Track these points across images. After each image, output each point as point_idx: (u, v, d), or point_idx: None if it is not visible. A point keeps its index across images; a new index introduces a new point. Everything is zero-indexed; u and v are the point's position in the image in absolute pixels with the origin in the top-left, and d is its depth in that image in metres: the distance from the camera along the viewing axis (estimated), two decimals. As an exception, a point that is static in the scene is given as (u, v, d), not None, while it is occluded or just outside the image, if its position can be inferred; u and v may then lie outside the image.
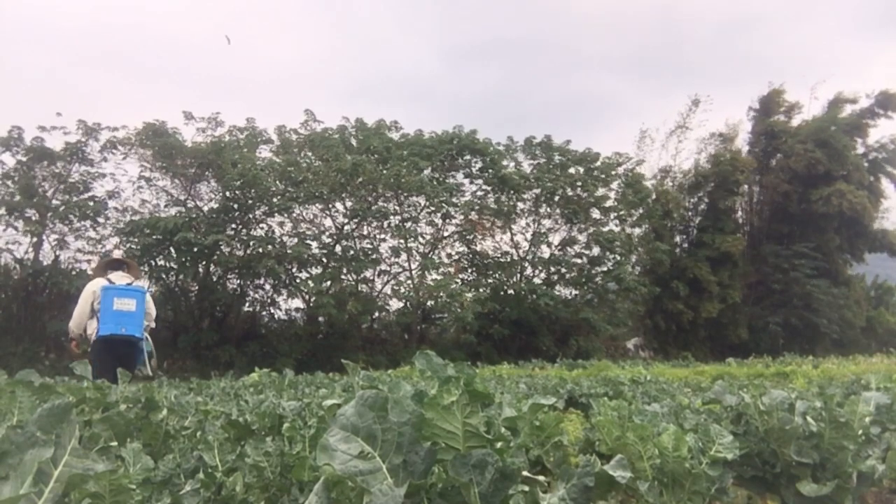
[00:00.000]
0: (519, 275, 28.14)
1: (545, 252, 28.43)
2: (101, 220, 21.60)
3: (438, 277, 24.29)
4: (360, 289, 24.41)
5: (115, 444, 2.01)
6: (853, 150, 33.34)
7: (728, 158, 32.62)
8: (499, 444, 1.35)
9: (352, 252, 23.88)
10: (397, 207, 25.59)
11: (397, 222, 25.33)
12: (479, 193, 27.93)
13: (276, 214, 23.44)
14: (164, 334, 21.92)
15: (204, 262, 22.45)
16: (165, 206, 23.18)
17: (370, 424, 1.16)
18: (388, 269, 25.79)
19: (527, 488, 1.39)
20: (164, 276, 22.00)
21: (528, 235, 28.60)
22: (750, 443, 2.21)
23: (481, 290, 26.26)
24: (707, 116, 40.62)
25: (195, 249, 20.99)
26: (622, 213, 29.00)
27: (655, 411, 2.59)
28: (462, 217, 26.81)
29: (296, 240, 23.49)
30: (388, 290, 25.70)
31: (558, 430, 2.16)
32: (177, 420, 2.71)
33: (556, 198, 27.78)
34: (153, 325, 6.50)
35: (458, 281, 25.80)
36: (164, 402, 2.75)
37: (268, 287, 24.27)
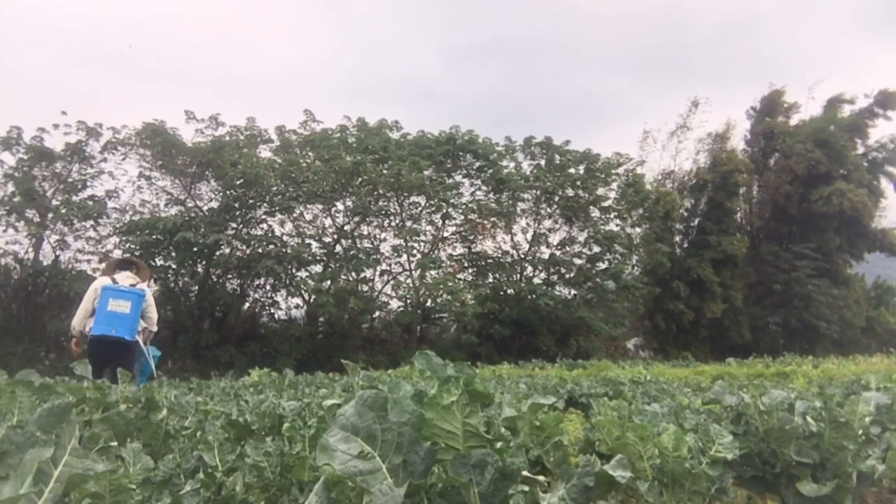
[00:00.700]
0: (519, 275, 28.15)
1: (545, 252, 28.45)
2: (101, 220, 21.60)
3: (438, 277, 24.30)
4: (360, 288, 24.42)
5: (115, 444, 2.01)
6: (853, 149, 33.39)
7: (726, 159, 32.63)
8: (499, 444, 1.35)
9: (352, 252, 23.89)
10: (397, 207, 25.60)
11: (397, 222, 25.34)
12: (478, 194, 27.94)
13: (277, 214, 23.46)
14: (164, 334, 21.92)
15: (204, 262, 22.45)
16: (165, 205, 23.20)
17: (370, 424, 1.16)
18: (389, 268, 25.83)
19: (527, 488, 1.39)
20: (163, 276, 21.99)
21: (528, 236, 28.63)
22: (750, 443, 2.21)
23: (481, 290, 26.27)
24: (707, 117, 40.77)
25: (195, 249, 20.99)
26: (622, 213, 29.01)
27: (655, 411, 2.59)
28: (462, 217, 26.82)
29: (296, 239, 23.50)
30: (388, 289, 25.73)
31: (558, 430, 2.16)
32: (177, 420, 2.71)
33: (556, 198, 27.78)
34: (154, 328, 6.44)
35: (459, 280, 25.81)
36: (164, 402, 2.75)
37: (268, 287, 24.29)
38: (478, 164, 27.41)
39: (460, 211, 26.55)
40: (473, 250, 27.85)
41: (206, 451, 2.00)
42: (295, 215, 24.34)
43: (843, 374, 10.88)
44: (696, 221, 33.81)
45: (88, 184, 21.85)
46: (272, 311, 24.99)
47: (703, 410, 2.99)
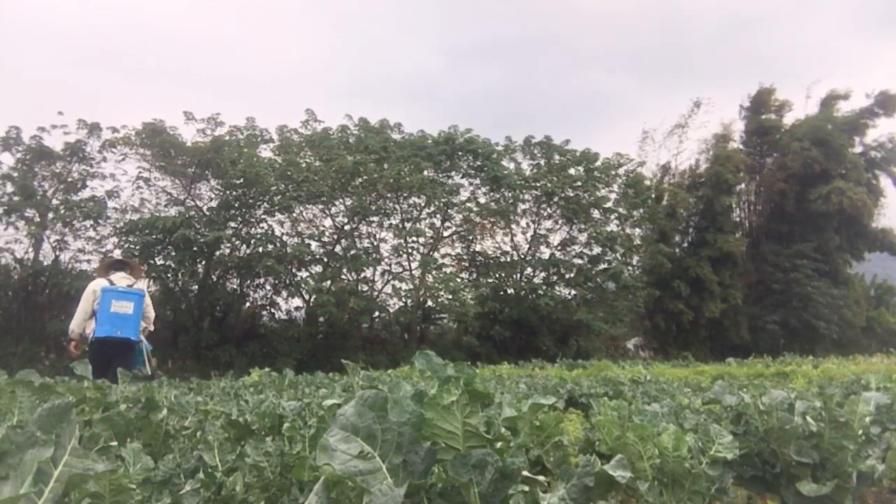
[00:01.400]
0: (519, 275, 28.17)
1: (545, 252, 28.47)
2: (101, 220, 21.63)
3: (439, 277, 24.32)
4: (360, 288, 24.44)
5: (115, 444, 2.01)
6: (851, 147, 33.46)
7: (721, 157, 32.66)
8: (499, 444, 1.36)
9: (352, 252, 23.91)
10: (397, 207, 25.62)
11: (397, 222, 25.37)
12: (477, 193, 27.97)
13: (277, 213, 23.47)
14: (164, 334, 21.94)
15: (204, 262, 22.47)
16: (165, 205, 23.22)
17: (370, 424, 1.16)
18: (389, 268, 25.85)
19: (527, 488, 1.39)
20: (163, 275, 22.01)
21: (528, 236, 28.65)
22: (750, 443, 2.21)
23: (481, 290, 26.30)
24: (708, 117, 40.92)
25: (195, 248, 21.02)
26: (623, 213, 29.04)
27: (655, 411, 2.59)
28: (462, 217, 26.85)
29: (296, 239, 23.52)
30: (388, 289, 25.75)
31: (558, 430, 2.17)
32: (177, 420, 2.71)
33: (556, 198, 27.80)
34: (151, 327, 6.50)
35: (459, 279, 25.84)
36: (164, 402, 2.75)
37: (268, 287, 24.31)
38: (477, 163, 27.44)
39: (460, 210, 26.57)
40: (473, 250, 27.89)
41: (206, 451, 2.00)
42: (295, 215, 24.37)
43: (843, 374, 10.88)
44: (695, 221, 33.85)
45: (88, 184, 21.89)
46: (272, 311, 25.03)
47: (703, 410, 2.99)
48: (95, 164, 22.04)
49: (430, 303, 24.88)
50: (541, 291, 25.61)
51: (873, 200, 33.08)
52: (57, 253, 21.44)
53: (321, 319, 23.77)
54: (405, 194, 25.05)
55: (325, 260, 23.94)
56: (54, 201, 21.30)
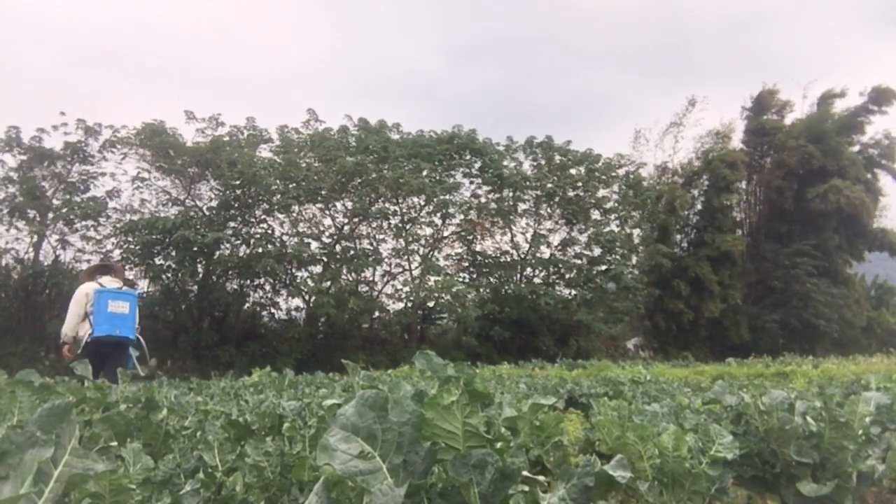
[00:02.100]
0: (519, 275, 28.16)
1: (545, 252, 28.47)
2: (101, 220, 21.63)
3: (439, 278, 24.30)
4: (360, 289, 24.43)
5: (115, 444, 2.01)
6: (849, 145, 33.50)
7: (720, 156, 32.64)
8: (499, 444, 1.36)
9: (352, 252, 23.90)
10: (397, 208, 25.61)
11: (397, 223, 25.35)
12: (478, 193, 27.96)
13: (276, 213, 23.46)
14: (164, 334, 21.95)
15: (203, 262, 22.46)
16: (165, 205, 23.22)
17: (370, 424, 1.16)
18: (389, 269, 25.83)
19: (527, 488, 1.39)
20: (163, 275, 22.01)
21: (528, 236, 28.65)
22: (750, 443, 2.21)
23: (482, 290, 26.28)
24: (704, 115, 40.87)
25: (195, 249, 21.01)
26: (623, 213, 29.03)
27: (655, 411, 2.59)
28: (462, 217, 26.84)
29: (295, 239, 23.51)
30: (388, 290, 25.74)
31: (558, 430, 2.17)
32: (177, 420, 2.71)
33: (557, 198, 27.80)
34: (138, 327, 6.65)
35: (459, 280, 25.82)
36: (164, 402, 2.75)
37: (268, 287, 24.30)
38: (478, 163, 27.44)
39: (460, 210, 26.56)
40: (473, 250, 27.88)
41: (206, 451, 2.00)
42: (294, 215, 24.36)
43: (843, 374, 10.88)
44: (695, 220, 33.84)
45: (89, 185, 21.89)
46: (272, 311, 25.03)
47: (703, 410, 2.99)
48: (95, 164, 22.06)
49: (429, 303, 24.87)
50: (541, 291, 25.61)
51: (872, 199, 33.06)
52: (57, 253, 21.47)
53: (321, 319, 23.76)
54: (405, 194, 25.04)
55: (325, 260, 23.93)
56: (55, 201, 21.30)
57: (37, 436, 0.95)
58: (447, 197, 25.60)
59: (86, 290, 6.15)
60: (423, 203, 25.89)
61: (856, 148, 34.23)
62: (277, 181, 22.56)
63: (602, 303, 27.47)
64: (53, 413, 1.01)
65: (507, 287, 27.41)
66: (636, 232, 30.39)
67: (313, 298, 22.78)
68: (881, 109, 33.79)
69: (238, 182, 21.62)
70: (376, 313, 25.16)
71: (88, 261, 21.55)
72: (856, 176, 32.67)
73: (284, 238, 23.68)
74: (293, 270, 23.45)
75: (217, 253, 21.99)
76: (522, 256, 28.47)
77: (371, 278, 25.68)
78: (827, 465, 2.15)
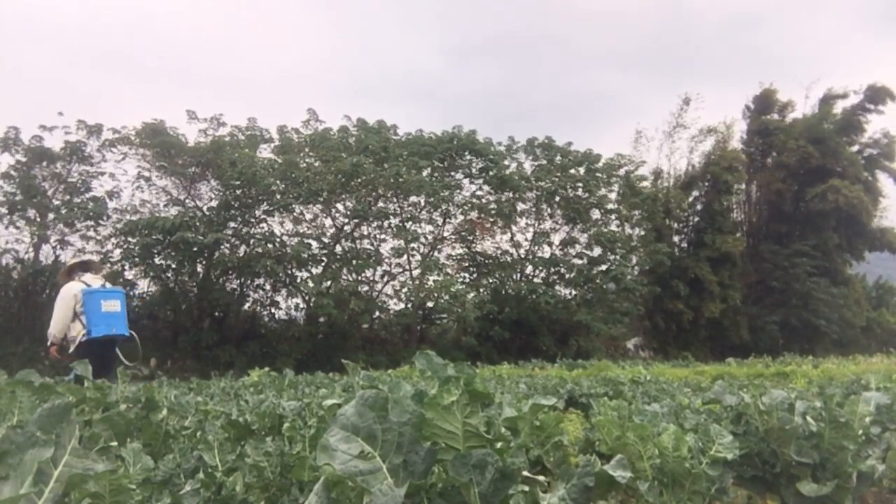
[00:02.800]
0: (519, 275, 28.16)
1: (545, 252, 28.47)
2: (101, 220, 21.61)
3: (439, 278, 24.30)
4: (360, 289, 24.42)
5: (115, 444, 2.01)
6: (849, 145, 33.53)
7: (719, 157, 32.62)
8: (499, 444, 1.35)
9: (352, 252, 23.89)
10: (397, 207, 25.60)
11: (397, 222, 25.34)
12: (478, 193, 27.97)
13: (276, 214, 23.45)
14: (164, 334, 21.94)
15: (203, 262, 22.46)
16: (165, 205, 23.20)
17: (370, 424, 1.16)
18: (389, 269, 25.82)
19: (527, 488, 1.39)
20: (163, 275, 21.99)
21: (529, 236, 28.65)
22: (750, 443, 2.21)
23: (482, 290, 26.27)
24: (701, 114, 40.69)
25: (195, 249, 21.00)
26: (623, 213, 29.03)
27: (655, 411, 2.59)
28: (462, 217, 26.84)
29: (295, 239, 23.51)
30: (388, 290, 25.73)
31: (558, 430, 2.17)
32: (177, 420, 2.71)
33: (557, 199, 27.80)
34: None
35: (459, 279, 25.82)
36: (164, 402, 2.75)
37: (267, 287, 24.29)
38: (479, 163, 27.44)
39: (460, 210, 26.56)
40: (473, 250, 27.87)
41: (206, 451, 2.00)
42: (295, 215, 24.35)
43: (843, 374, 10.88)
44: (695, 221, 33.81)
45: (90, 185, 21.87)
46: (272, 311, 25.02)
47: (703, 410, 2.99)
48: (95, 164, 22.03)
49: (429, 303, 24.86)
50: (540, 291, 25.62)
51: (871, 199, 33.08)
52: (57, 253, 21.44)
53: (321, 319, 23.76)
54: (405, 194, 25.03)
55: (325, 260, 23.92)
56: (55, 202, 21.28)
57: (37, 436, 0.95)
58: (447, 194, 25.59)
59: (73, 290, 6.12)
60: (423, 203, 25.89)
61: (855, 148, 34.28)
62: (277, 181, 22.56)
63: (602, 303, 27.47)
64: (53, 413, 1.01)
65: (507, 287, 27.42)
66: (636, 231, 30.38)
67: (313, 298, 22.78)
68: (877, 108, 33.91)
69: (238, 182, 21.61)
70: (376, 313, 25.17)
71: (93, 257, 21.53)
72: (855, 176, 32.71)
73: (284, 238, 23.68)
74: (293, 270, 23.44)
75: (217, 253, 21.98)
76: (522, 256, 28.47)
77: (371, 278, 25.68)
78: (827, 465, 2.15)
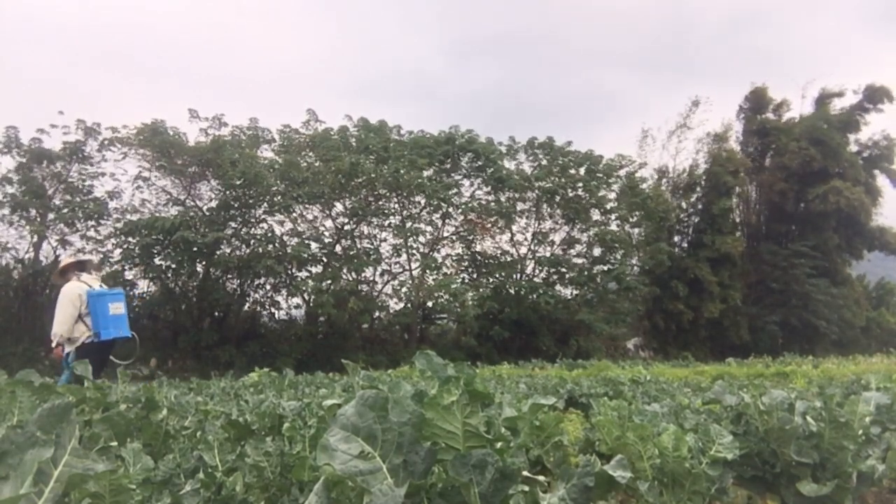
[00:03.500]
0: (519, 275, 28.17)
1: (546, 251, 28.49)
2: (102, 220, 21.63)
3: (439, 277, 24.31)
4: (360, 288, 24.44)
5: (115, 444, 2.01)
6: (847, 146, 33.56)
7: (720, 158, 32.66)
8: (499, 444, 1.36)
9: (352, 252, 23.90)
10: (397, 207, 25.61)
11: (397, 222, 25.36)
12: (478, 193, 27.99)
13: (277, 214, 23.46)
14: (164, 334, 21.94)
15: (204, 262, 22.46)
16: (165, 205, 23.21)
17: (370, 424, 1.16)
18: (389, 268, 25.84)
19: (527, 488, 1.39)
20: (163, 275, 21.99)
21: (529, 235, 28.67)
22: (750, 443, 2.21)
23: (482, 290, 26.28)
24: (707, 116, 40.86)
25: (195, 249, 21.01)
26: (623, 214, 29.05)
27: (655, 411, 2.59)
28: (462, 217, 26.86)
29: (296, 239, 23.52)
30: (388, 289, 25.74)
31: (558, 430, 2.17)
32: (177, 420, 2.71)
33: (558, 198, 27.81)
34: None
35: (459, 279, 25.83)
36: (164, 402, 2.75)
37: (268, 287, 24.30)
38: (479, 163, 27.44)
39: (460, 210, 26.57)
40: (473, 250, 27.88)
41: (206, 451, 2.00)
42: (295, 215, 24.36)
43: (843, 374, 10.88)
44: (695, 222, 33.84)
45: (89, 183, 21.89)
46: (272, 311, 25.03)
47: (703, 410, 3.00)
48: (95, 164, 22.05)
49: (429, 303, 24.87)
50: (541, 291, 25.62)
51: (871, 199, 33.15)
52: (58, 253, 21.43)
53: (321, 319, 23.77)
54: (405, 194, 25.05)
55: (325, 260, 23.93)
56: (55, 202, 21.29)
57: (37, 436, 0.95)
58: (447, 194, 25.60)
59: (76, 290, 6.15)
60: (423, 203, 25.91)
61: (854, 148, 34.33)
62: (278, 181, 22.57)
63: (603, 302, 27.48)
64: (53, 413, 1.01)
65: (507, 287, 27.44)
66: (636, 231, 30.40)
67: (313, 298, 22.79)
68: (876, 108, 33.96)
69: (239, 182, 21.62)
70: (376, 313, 25.18)
71: (89, 261, 21.51)
72: (855, 177, 32.74)
73: (284, 238, 23.69)
74: (293, 270, 23.46)
75: (217, 253, 21.99)
76: (523, 256, 28.49)
77: (371, 278, 25.70)
78: (827, 465, 2.15)
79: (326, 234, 24.95)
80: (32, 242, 21.09)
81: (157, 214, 22.08)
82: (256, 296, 24.67)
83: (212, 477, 1.78)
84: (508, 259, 28.10)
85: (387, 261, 25.61)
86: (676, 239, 33.63)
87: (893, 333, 33.85)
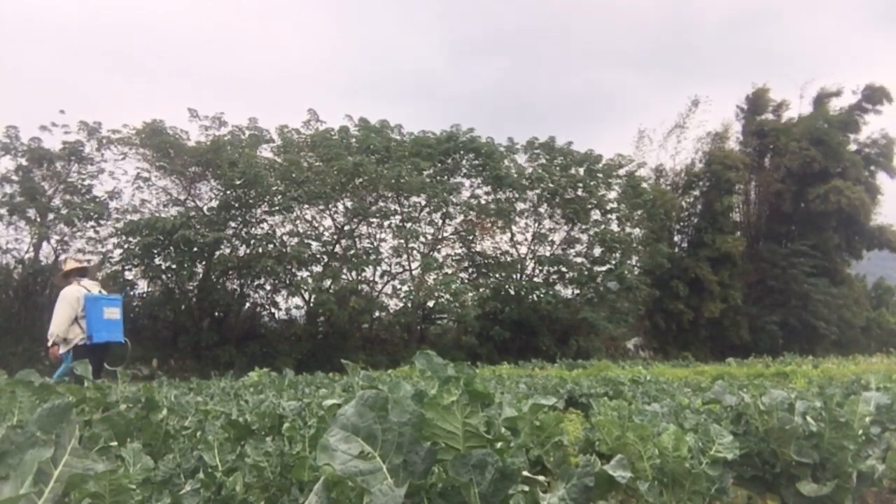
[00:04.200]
0: (519, 274, 28.17)
1: (546, 251, 28.48)
2: (102, 220, 21.61)
3: (439, 277, 24.30)
4: (360, 288, 24.42)
5: (115, 444, 2.01)
6: (847, 145, 33.60)
7: (719, 158, 32.65)
8: (499, 444, 1.35)
9: (352, 251, 23.88)
10: (397, 207, 25.61)
11: (398, 222, 25.35)
12: (478, 193, 27.98)
13: (277, 214, 23.45)
14: (164, 334, 21.92)
15: (204, 262, 22.44)
16: (165, 205, 23.19)
17: (370, 424, 1.16)
18: (389, 268, 25.83)
19: (527, 488, 1.39)
20: (163, 275, 21.97)
21: (529, 235, 28.66)
22: (750, 443, 2.21)
23: (482, 290, 26.27)
24: (707, 116, 40.89)
25: (195, 249, 21.00)
26: (623, 213, 29.04)
27: (655, 411, 2.60)
28: (462, 217, 26.85)
29: (296, 239, 23.50)
30: (388, 289, 25.73)
31: (558, 430, 2.17)
32: (177, 420, 2.71)
33: (558, 198, 27.81)
34: None
35: (459, 279, 25.82)
36: (164, 402, 2.75)
37: (268, 287, 24.27)
38: (479, 163, 27.43)
39: (460, 210, 26.57)
40: (473, 250, 27.87)
41: (206, 451, 2.00)
42: (295, 215, 24.34)
43: (843, 374, 10.88)
44: (695, 221, 33.84)
45: (89, 183, 21.87)
46: (272, 311, 25.00)
47: (703, 410, 2.99)
48: (95, 164, 22.03)
49: (429, 303, 24.85)
50: (541, 291, 25.61)
51: (871, 199, 33.17)
52: (58, 253, 21.42)
53: (321, 319, 23.74)
54: (405, 194, 25.04)
55: (325, 260, 23.92)
56: (55, 202, 21.28)
57: (37, 436, 0.95)
58: (448, 195, 25.60)
59: (75, 293, 6.30)
60: (423, 203, 25.90)
61: (853, 147, 34.36)
62: (278, 181, 22.55)
63: (604, 302, 27.48)
64: (53, 413, 1.01)
65: (507, 287, 27.44)
66: (636, 231, 30.40)
67: (313, 298, 22.77)
68: (875, 108, 34.00)
69: (239, 182, 21.61)
70: (376, 313, 25.16)
71: (89, 261, 21.50)
72: (856, 177, 32.76)
73: (285, 238, 23.67)
74: (293, 270, 23.45)
75: (217, 253, 21.97)
76: (523, 256, 28.48)
77: (371, 278, 25.68)
78: (827, 465, 2.15)
79: (326, 233, 24.94)
80: (32, 243, 21.07)
81: (158, 214, 22.05)
82: (256, 296, 24.64)
83: (212, 477, 1.78)
84: (508, 259, 28.09)
85: (387, 261, 25.60)
86: (677, 238, 33.64)
87: (893, 333, 33.88)
